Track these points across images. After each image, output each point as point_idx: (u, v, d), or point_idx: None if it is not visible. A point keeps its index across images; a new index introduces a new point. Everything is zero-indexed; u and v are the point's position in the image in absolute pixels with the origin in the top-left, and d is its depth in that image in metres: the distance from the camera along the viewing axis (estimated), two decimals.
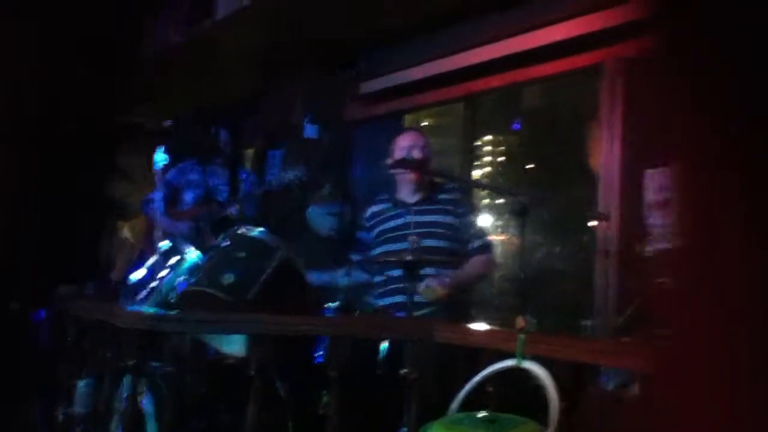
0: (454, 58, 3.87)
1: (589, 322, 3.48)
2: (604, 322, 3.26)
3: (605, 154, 3.38)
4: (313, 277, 2.76)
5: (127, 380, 2.32)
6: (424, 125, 4.96)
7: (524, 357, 1.92)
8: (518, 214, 2.46)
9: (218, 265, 2.51)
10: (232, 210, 3.56)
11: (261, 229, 2.60)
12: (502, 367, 2.00)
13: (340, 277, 2.78)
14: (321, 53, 4.37)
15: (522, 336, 1.93)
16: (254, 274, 2.45)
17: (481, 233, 3.08)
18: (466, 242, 2.96)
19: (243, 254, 2.50)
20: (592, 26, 3.23)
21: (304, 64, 4.45)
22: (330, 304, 2.57)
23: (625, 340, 2.30)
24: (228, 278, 2.41)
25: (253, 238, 2.56)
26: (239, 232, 2.62)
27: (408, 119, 4.88)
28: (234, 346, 2.48)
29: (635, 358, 1.79)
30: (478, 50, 3.74)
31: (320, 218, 4.12)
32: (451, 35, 3.92)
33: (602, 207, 3.33)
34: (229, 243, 2.59)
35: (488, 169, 5.07)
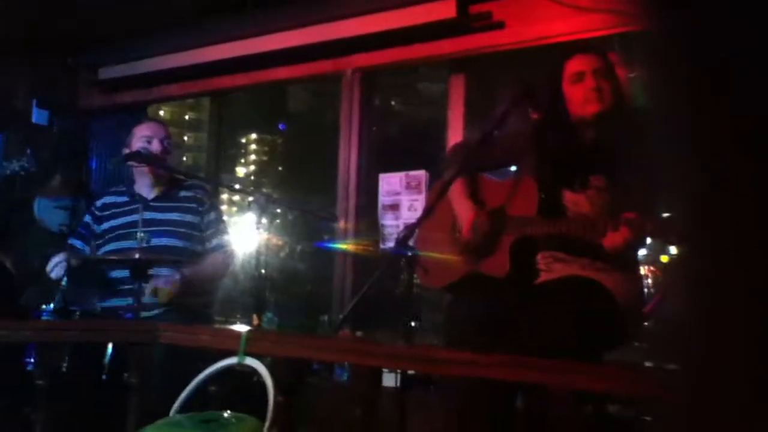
0: (198, 52, 3.78)
1: (326, 318, 3.64)
2: (338, 317, 3.42)
3: (343, 159, 3.54)
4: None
5: None
6: (186, 119, 4.81)
7: (247, 355, 1.95)
8: (259, 214, 2.48)
9: None
10: None
11: None
12: (225, 366, 2.01)
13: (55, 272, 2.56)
14: (53, 36, 3.99)
15: (245, 334, 1.96)
16: None
17: (221, 232, 3.03)
18: (204, 241, 2.90)
19: None
20: (331, 35, 3.36)
21: (32, 44, 4.03)
22: (45, 306, 2.37)
23: (344, 336, 2.44)
24: None
25: None
26: None
27: (167, 113, 4.68)
28: None
29: (345, 353, 1.92)
30: (222, 47, 3.69)
31: (48, 212, 3.78)
32: (196, 30, 3.82)
33: (340, 209, 3.49)
34: None
35: (252, 167, 5.06)
